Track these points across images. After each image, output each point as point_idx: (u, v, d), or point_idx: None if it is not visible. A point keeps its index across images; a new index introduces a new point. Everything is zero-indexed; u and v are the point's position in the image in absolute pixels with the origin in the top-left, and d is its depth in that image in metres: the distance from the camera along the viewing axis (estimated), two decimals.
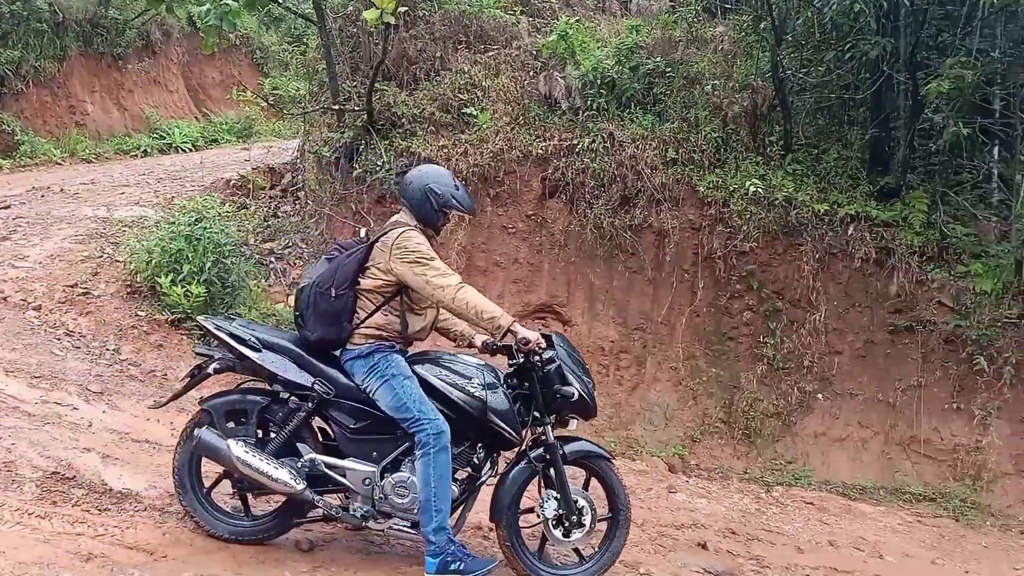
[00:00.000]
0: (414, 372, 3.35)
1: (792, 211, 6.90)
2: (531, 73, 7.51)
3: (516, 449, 3.50)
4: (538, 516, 3.51)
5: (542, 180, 7.01)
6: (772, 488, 6.36)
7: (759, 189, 6.84)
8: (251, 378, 3.50)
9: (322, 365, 3.38)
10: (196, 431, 3.30)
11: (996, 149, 6.87)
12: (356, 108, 7.21)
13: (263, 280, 6.56)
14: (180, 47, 14.23)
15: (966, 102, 6.58)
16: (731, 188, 6.98)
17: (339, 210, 7.11)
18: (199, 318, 3.64)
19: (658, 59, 7.36)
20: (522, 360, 3.36)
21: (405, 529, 3.37)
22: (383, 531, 3.45)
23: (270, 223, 7.43)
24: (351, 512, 3.33)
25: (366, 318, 3.37)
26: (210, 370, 3.38)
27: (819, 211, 6.90)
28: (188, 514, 3.41)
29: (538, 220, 7.08)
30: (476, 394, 3.34)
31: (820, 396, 6.84)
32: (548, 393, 3.40)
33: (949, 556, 5.65)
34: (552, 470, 3.49)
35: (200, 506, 3.39)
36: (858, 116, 7.31)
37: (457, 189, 3.47)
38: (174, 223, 5.93)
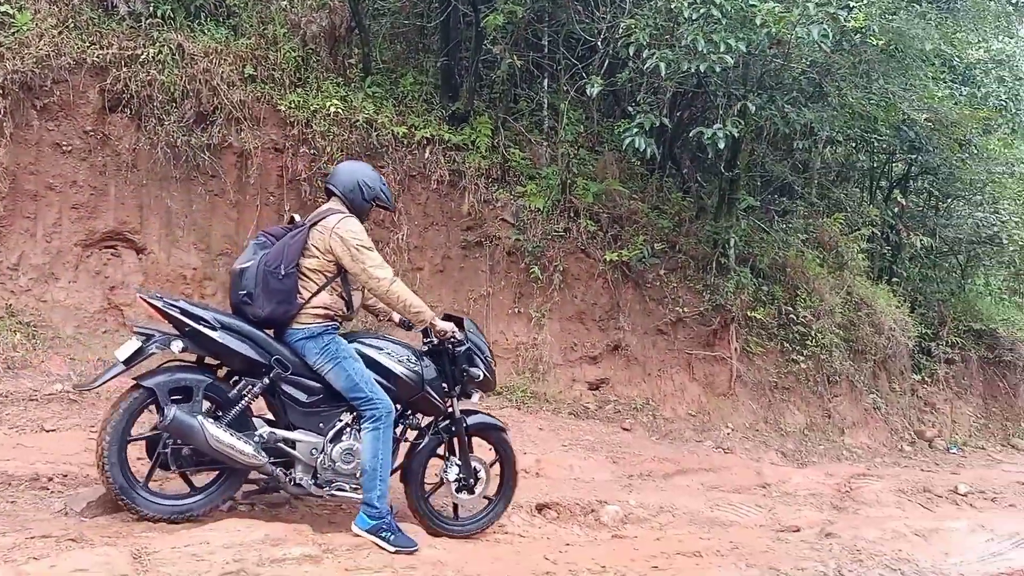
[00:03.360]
0: (359, 351, 3.97)
1: (373, 133, 7.60)
2: None
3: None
4: (442, 479, 4.32)
5: (101, 92, 6.90)
6: None
7: (340, 110, 7.41)
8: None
9: (275, 343, 3.86)
10: (169, 410, 3.54)
11: (546, 81, 8.22)
12: None
13: None
14: None
15: (520, 36, 7.79)
16: (313, 108, 7.53)
17: None
18: (144, 295, 3.81)
19: None
20: (436, 343, 4.18)
21: (346, 493, 3.96)
22: (323, 496, 4.00)
23: None
24: (295, 481, 3.86)
25: (311, 297, 3.88)
26: (153, 348, 3.63)
27: (398, 134, 7.75)
28: (115, 495, 3.58)
29: (99, 137, 6.99)
30: (415, 369, 4.11)
31: None
32: (457, 372, 4.22)
33: (512, 442, 6.78)
34: (455, 440, 4.33)
35: (136, 490, 3.62)
36: (432, 43, 8.25)
37: (383, 185, 4.21)
38: None
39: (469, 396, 4.43)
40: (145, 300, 3.78)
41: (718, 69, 6.38)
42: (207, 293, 7.48)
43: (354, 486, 3.96)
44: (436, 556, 3.82)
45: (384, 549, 3.74)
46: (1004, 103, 11.26)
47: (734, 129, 6.83)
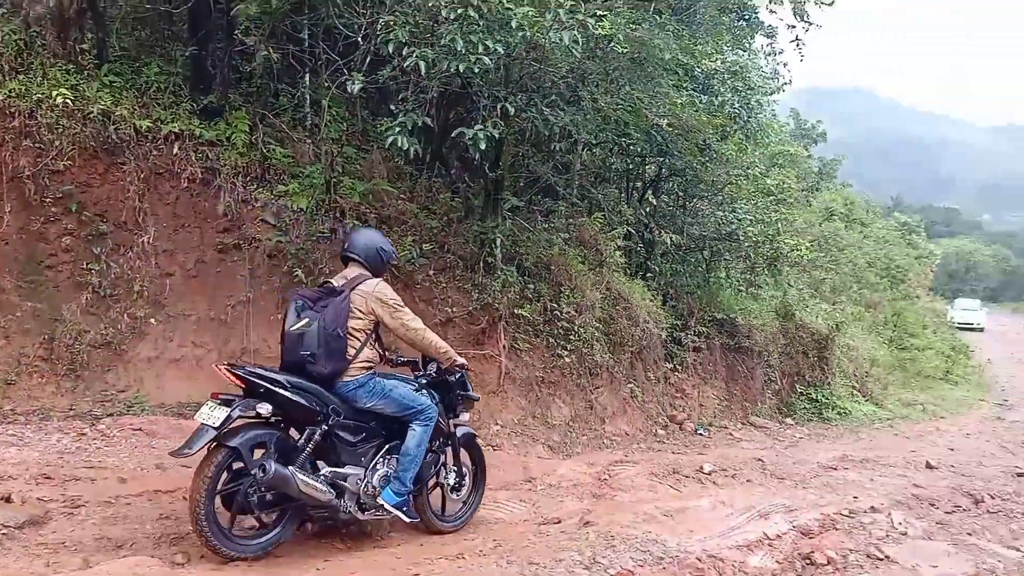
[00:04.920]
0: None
1: (111, 126, 7.08)
2: None
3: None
4: (440, 484, 5.38)
5: None
6: (99, 421, 6.55)
7: (70, 100, 6.82)
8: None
9: (327, 394, 4.59)
10: (268, 464, 4.22)
11: (308, 76, 8.08)
12: None
13: None
14: None
15: (277, 28, 7.57)
16: (37, 98, 6.84)
17: None
18: (225, 367, 4.41)
19: None
20: (434, 375, 5.30)
21: (380, 515, 4.84)
22: (365, 519, 4.83)
23: None
24: (344, 510, 4.63)
25: (356, 353, 4.70)
26: (238, 412, 4.23)
27: (142, 128, 7.28)
28: (212, 545, 4.17)
29: None
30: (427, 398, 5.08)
31: (153, 320, 7.31)
32: (455, 397, 5.38)
33: None
34: (450, 452, 5.43)
35: (228, 537, 4.24)
36: (180, 31, 7.80)
37: (392, 247, 5.17)
38: None
39: (458, 416, 5.48)
40: (228, 370, 4.40)
41: (477, 70, 6.58)
42: None
43: (386, 510, 4.81)
44: None
45: (403, 520, 4.86)
46: (738, 111, 12.66)
47: (495, 130, 7.09)
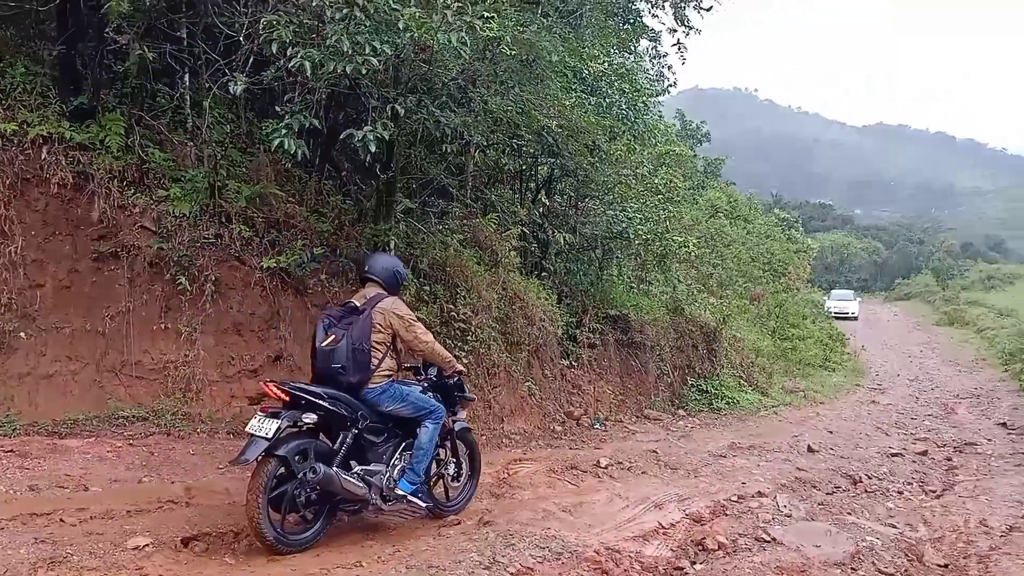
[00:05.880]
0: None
1: None
2: None
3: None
4: (442, 475, 6.06)
5: None
6: None
7: None
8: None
9: (355, 401, 5.22)
10: (318, 467, 4.90)
11: (187, 76, 7.76)
12: None
13: None
14: None
15: (153, 26, 7.23)
16: None
17: None
18: (273, 384, 5.02)
19: None
20: (435, 379, 5.99)
21: (401, 504, 5.51)
22: (386, 509, 5.53)
23: None
24: (373, 502, 5.26)
25: (378, 364, 5.33)
26: (287, 422, 4.84)
27: (7, 131, 6.88)
28: (269, 543, 4.71)
29: None
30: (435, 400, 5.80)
31: (23, 334, 6.89)
32: (454, 397, 6.08)
33: (157, 471, 6.34)
34: (450, 445, 6.12)
35: (281, 534, 4.79)
36: (48, 29, 7.36)
37: (406, 269, 6.26)
38: None
39: (456, 413, 6.12)
40: (276, 387, 4.97)
41: (365, 71, 6.46)
42: None
43: (407, 501, 5.50)
44: None
45: (419, 506, 5.59)
46: (626, 112, 12.95)
47: (385, 132, 6.98)
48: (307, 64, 6.34)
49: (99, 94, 7.38)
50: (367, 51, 6.37)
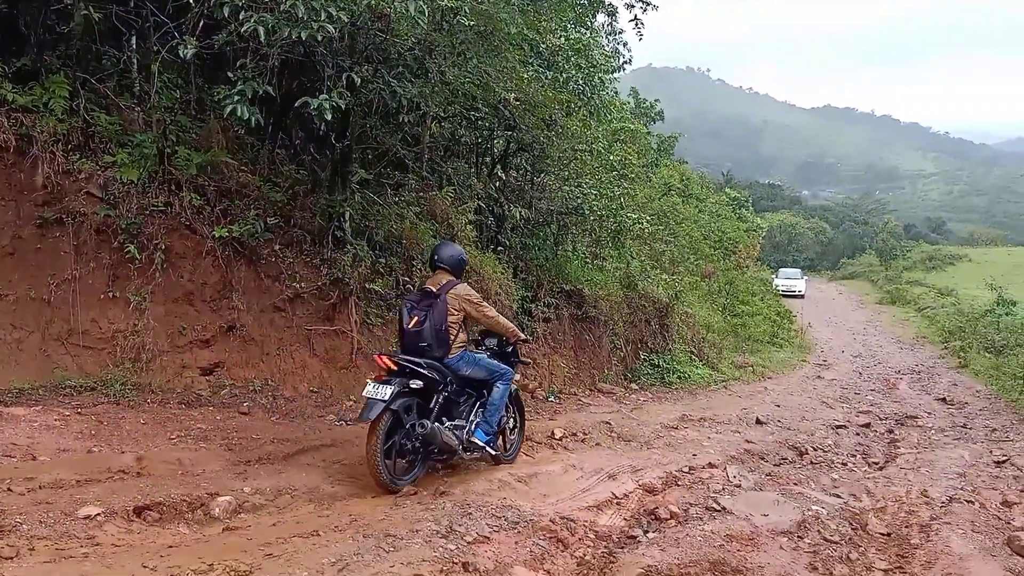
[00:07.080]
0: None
1: None
2: None
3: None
4: (503, 429, 6.90)
5: None
6: None
7: None
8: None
9: (443, 367, 6.19)
10: (425, 422, 5.91)
11: (135, 39, 7.52)
12: None
13: None
14: None
15: None
16: None
17: None
18: (384, 354, 6.16)
19: None
20: (495, 346, 6.92)
21: (476, 454, 6.51)
22: (466, 457, 6.49)
23: None
24: (459, 451, 6.21)
25: (454, 339, 6.26)
26: (397, 387, 5.79)
27: None
28: (384, 483, 5.67)
29: None
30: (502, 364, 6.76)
31: None
32: (511, 361, 6.87)
33: (107, 441, 6.22)
34: (509, 403, 6.90)
35: (395, 476, 5.84)
36: None
37: (467, 256, 7.02)
38: None
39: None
40: (386, 357, 6.01)
41: (320, 38, 6.33)
42: None
43: (482, 450, 6.47)
44: None
45: (490, 453, 6.54)
46: (582, 88, 12.92)
47: (341, 101, 6.88)
48: (260, 29, 6.21)
49: (42, 56, 7.12)
50: (323, 17, 6.25)
